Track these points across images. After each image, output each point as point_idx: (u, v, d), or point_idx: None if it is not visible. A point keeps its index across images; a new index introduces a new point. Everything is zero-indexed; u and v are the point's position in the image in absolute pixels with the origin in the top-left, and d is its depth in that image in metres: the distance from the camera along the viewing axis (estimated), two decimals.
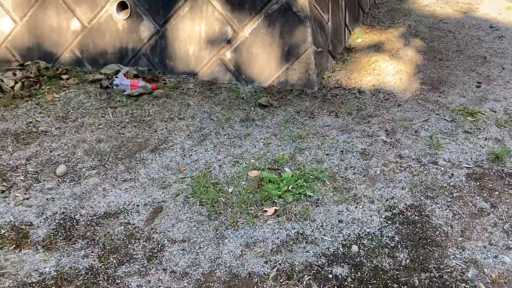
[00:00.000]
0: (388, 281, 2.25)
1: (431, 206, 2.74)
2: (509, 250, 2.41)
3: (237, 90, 4.20)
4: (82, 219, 2.74)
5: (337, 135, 3.47)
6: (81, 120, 3.78)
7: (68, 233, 2.63)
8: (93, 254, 2.48)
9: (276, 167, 3.13)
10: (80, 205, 2.84)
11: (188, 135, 3.54)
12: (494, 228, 2.56)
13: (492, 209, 2.70)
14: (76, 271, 2.38)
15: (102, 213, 2.78)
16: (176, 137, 3.51)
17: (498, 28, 5.43)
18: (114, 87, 4.20)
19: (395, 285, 2.23)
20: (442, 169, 3.06)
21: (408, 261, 2.37)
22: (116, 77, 4.24)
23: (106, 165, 3.21)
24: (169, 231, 2.63)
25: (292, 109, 3.84)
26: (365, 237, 2.54)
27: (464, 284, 2.22)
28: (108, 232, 2.63)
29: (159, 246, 2.53)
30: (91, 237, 2.60)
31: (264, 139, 3.45)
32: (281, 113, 3.80)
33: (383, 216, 2.68)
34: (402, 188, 2.90)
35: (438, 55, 4.75)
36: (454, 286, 2.21)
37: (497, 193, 2.83)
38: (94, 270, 2.39)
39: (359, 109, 3.83)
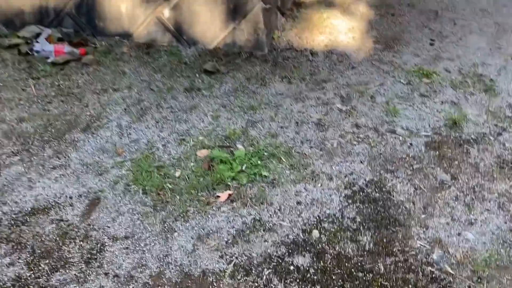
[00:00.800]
0: (352, 270, 2.11)
1: (392, 180, 2.61)
2: (472, 226, 2.34)
3: (178, 53, 3.78)
4: (4, 218, 2.35)
5: (291, 105, 3.21)
6: None
7: None
8: (20, 260, 2.14)
9: (228, 144, 2.85)
10: (1, 201, 2.44)
11: (125, 109, 3.14)
12: (456, 202, 2.48)
13: (453, 180, 2.61)
14: (1, 283, 2.04)
15: (29, 209, 2.40)
16: (111, 113, 3.11)
17: None
18: (35, 53, 3.64)
19: (360, 274, 2.09)
20: (401, 138, 2.93)
21: (371, 245, 2.24)
22: (37, 41, 3.67)
23: (30, 150, 2.78)
24: (109, 227, 2.32)
25: (241, 76, 3.51)
26: (325, 219, 2.37)
27: (429, 268, 2.13)
28: (38, 232, 2.28)
29: (99, 245, 2.22)
30: (17, 239, 2.24)
31: (212, 112, 3.13)
32: (229, 80, 3.46)
33: (343, 195, 2.51)
34: (361, 162, 2.74)
35: (390, 10, 4.55)
36: (419, 270, 2.12)
37: (456, 162, 2.74)
38: (23, 280, 2.05)
39: (312, 73, 3.58)
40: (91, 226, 2.32)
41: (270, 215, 2.39)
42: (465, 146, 2.87)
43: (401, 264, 2.14)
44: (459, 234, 2.29)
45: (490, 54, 3.88)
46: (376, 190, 2.55)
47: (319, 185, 2.57)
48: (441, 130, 3.00)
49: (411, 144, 2.88)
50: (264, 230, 2.31)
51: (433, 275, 2.09)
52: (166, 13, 3.80)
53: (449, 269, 2.12)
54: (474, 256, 2.18)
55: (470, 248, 2.23)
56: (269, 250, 2.21)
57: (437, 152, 2.82)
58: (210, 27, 3.79)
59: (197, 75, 3.52)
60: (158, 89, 3.35)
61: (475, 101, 3.29)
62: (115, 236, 2.27)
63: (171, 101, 3.23)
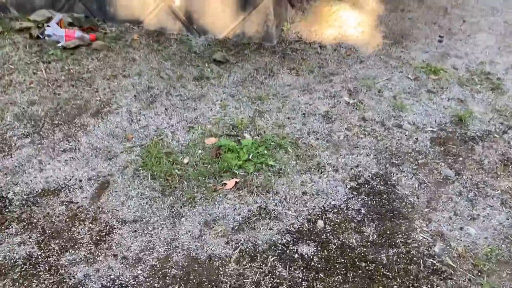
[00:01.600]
0: (355, 259, 2.16)
1: (397, 174, 2.64)
2: (474, 221, 2.38)
3: (188, 42, 3.80)
4: (16, 198, 2.40)
5: (298, 96, 3.24)
6: (9, 77, 3.28)
7: (0, 216, 2.30)
8: (31, 240, 2.19)
9: (235, 133, 2.88)
10: (12, 181, 2.49)
11: (135, 96, 3.17)
12: (459, 198, 2.51)
13: (457, 176, 2.65)
14: (12, 261, 2.09)
15: (40, 190, 2.45)
16: (121, 99, 3.14)
17: None
18: (46, 37, 3.67)
19: (363, 264, 2.14)
20: (407, 133, 2.95)
21: (375, 236, 2.28)
22: (48, 25, 3.70)
23: (41, 133, 2.82)
24: (118, 210, 2.36)
25: (250, 66, 3.53)
26: (330, 210, 2.41)
27: (431, 260, 2.17)
28: (48, 213, 2.33)
29: (108, 228, 2.27)
30: (28, 219, 2.29)
31: (220, 101, 3.16)
32: (238, 70, 3.49)
33: (348, 187, 2.55)
34: (367, 155, 2.77)
35: (400, 5, 4.55)
36: (421, 261, 2.16)
37: (461, 159, 2.77)
38: (33, 259, 2.11)
39: (320, 66, 3.60)
40: (100, 208, 2.37)
41: (276, 203, 2.43)
42: (470, 142, 2.90)
43: (403, 256, 2.19)
44: (461, 229, 2.33)
45: (498, 53, 3.89)
46: (381, 183, 2.58)
47: (325, 176, 2.61)
48: (446, 126, 3.03)
49: (417, 139, 2.91)
50: (269, 218, 2.35)
51: (434, 267, 2.14)
52: (177, 1, 3.81)
53: (450, 262, 2.16)
54: (476, 250, 2.22)
55: (472, 242, 2.26)
56: (274, 238, 2.25)
57: (442, 147, 2.85)
58: (221, 17, 3.80)
59: (206, 64, 3.54)
60: (168, 77, 3.38)
61: (482, 99, 3.31)
62: (123, 219, 2.32)
63: (181, 89, 3.26)
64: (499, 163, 2.75)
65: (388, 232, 2.30)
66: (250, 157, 2.68)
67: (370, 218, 2.37)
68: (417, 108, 3.18)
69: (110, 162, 2.64)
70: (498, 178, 2.64)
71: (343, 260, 2.15)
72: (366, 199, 2.48)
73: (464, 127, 3.02)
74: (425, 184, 2.59)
